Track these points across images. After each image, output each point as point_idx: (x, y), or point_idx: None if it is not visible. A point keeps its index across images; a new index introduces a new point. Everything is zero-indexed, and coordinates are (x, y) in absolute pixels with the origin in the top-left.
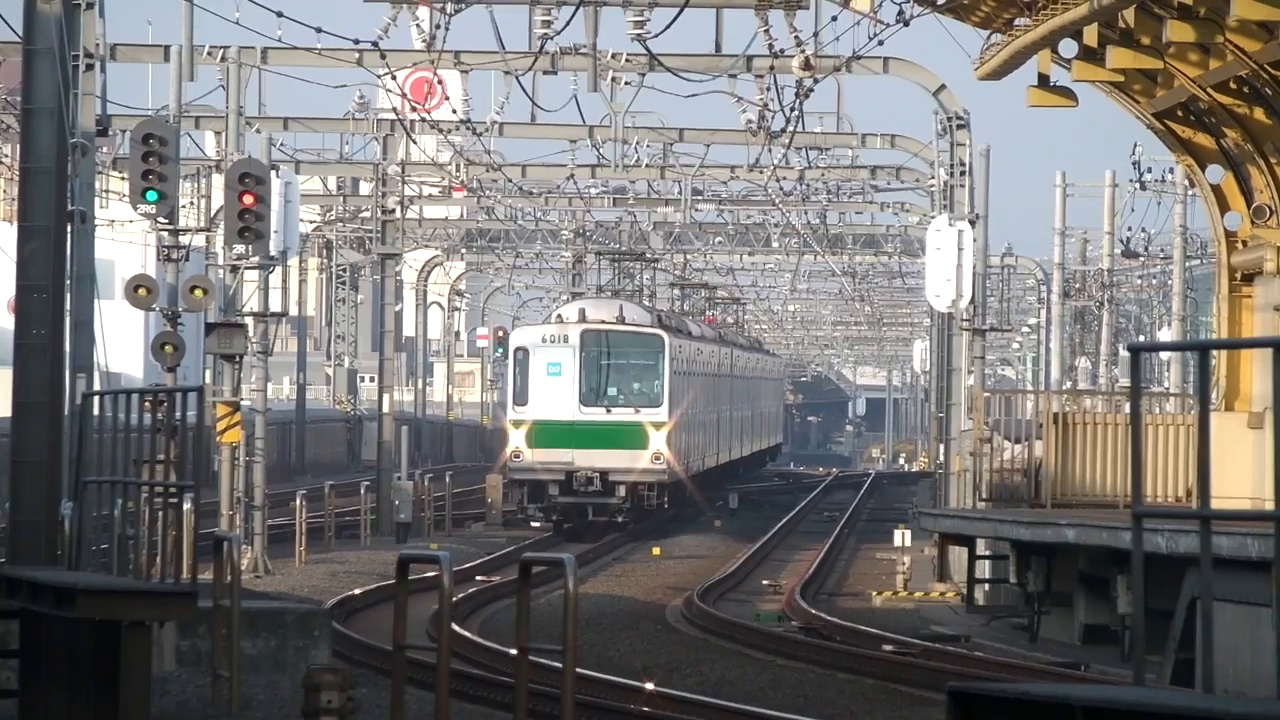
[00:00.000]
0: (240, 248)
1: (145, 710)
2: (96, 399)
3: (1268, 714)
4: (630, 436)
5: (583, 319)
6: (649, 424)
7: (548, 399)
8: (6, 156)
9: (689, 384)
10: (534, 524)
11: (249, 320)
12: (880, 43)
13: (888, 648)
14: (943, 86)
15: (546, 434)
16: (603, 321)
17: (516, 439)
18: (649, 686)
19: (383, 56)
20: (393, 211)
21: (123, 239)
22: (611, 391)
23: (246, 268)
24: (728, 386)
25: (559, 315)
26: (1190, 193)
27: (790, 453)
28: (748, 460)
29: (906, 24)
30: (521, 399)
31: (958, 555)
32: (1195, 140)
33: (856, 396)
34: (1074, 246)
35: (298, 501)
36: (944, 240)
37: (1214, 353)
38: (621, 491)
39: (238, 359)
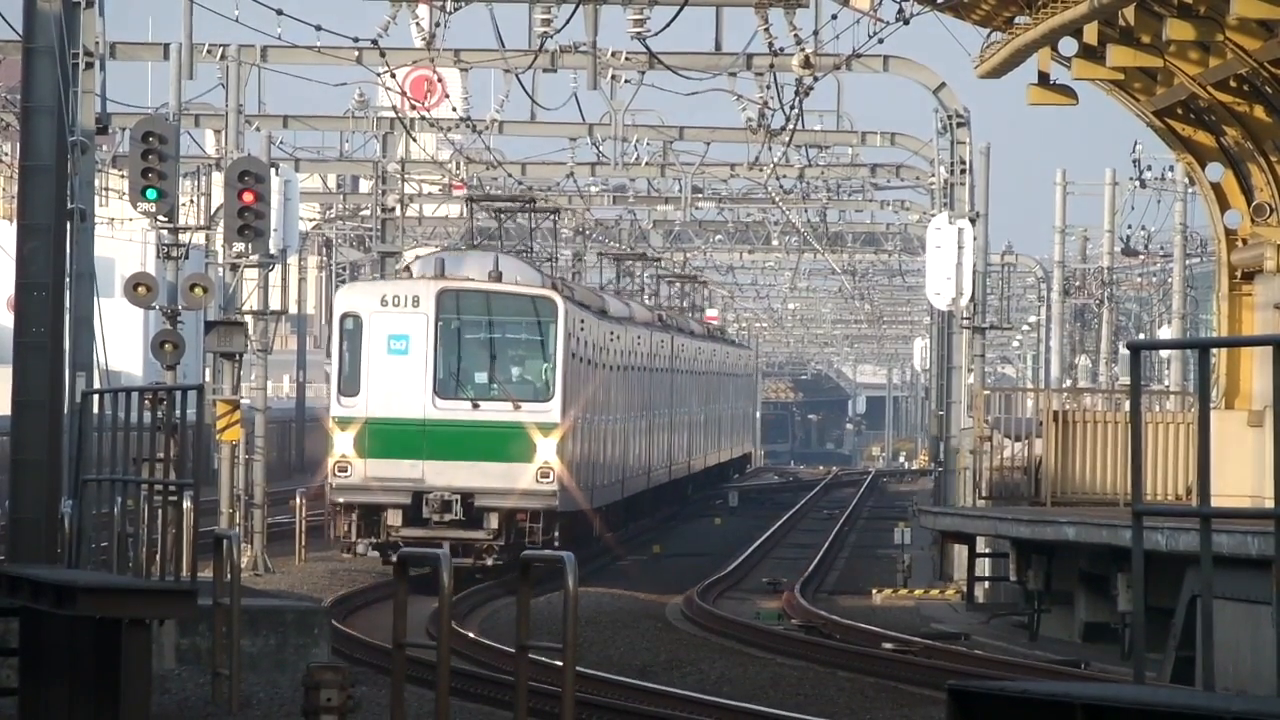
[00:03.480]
0: (240, 246)
1: (145, 708)
2: (96, 397)
3: (1268, 712)
4: (507, 444)
5: (441, 274)
6: (534, 426)
7: (388, 388)
8: (6, 155)
9: (599, 377)
10: (357, 552)
11: (249, 318)
12: (880, 41)
13: (888, 646)
14: (943, 84)
15: (385, 438)
16: (469, 279)
17: (343, 444)
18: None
19: (382, 54)
20: (392, 209)
21: (123, 237)
22: (480, 378)
23: (246, 266)
24: (667, 383)
25: (407, 268)
26: (1190, 191)
27: (790, 451)
28: (700, 477)
29: (906, 22)
30: (350, 387)
31: (958, 553)
32: (1195, 138)
33: (856, 395)
34: (1074, 244)
35: (298, 499)
36: (944, 238)
37: (1214, 351)
38: (493, 522)
39: (237, 357)
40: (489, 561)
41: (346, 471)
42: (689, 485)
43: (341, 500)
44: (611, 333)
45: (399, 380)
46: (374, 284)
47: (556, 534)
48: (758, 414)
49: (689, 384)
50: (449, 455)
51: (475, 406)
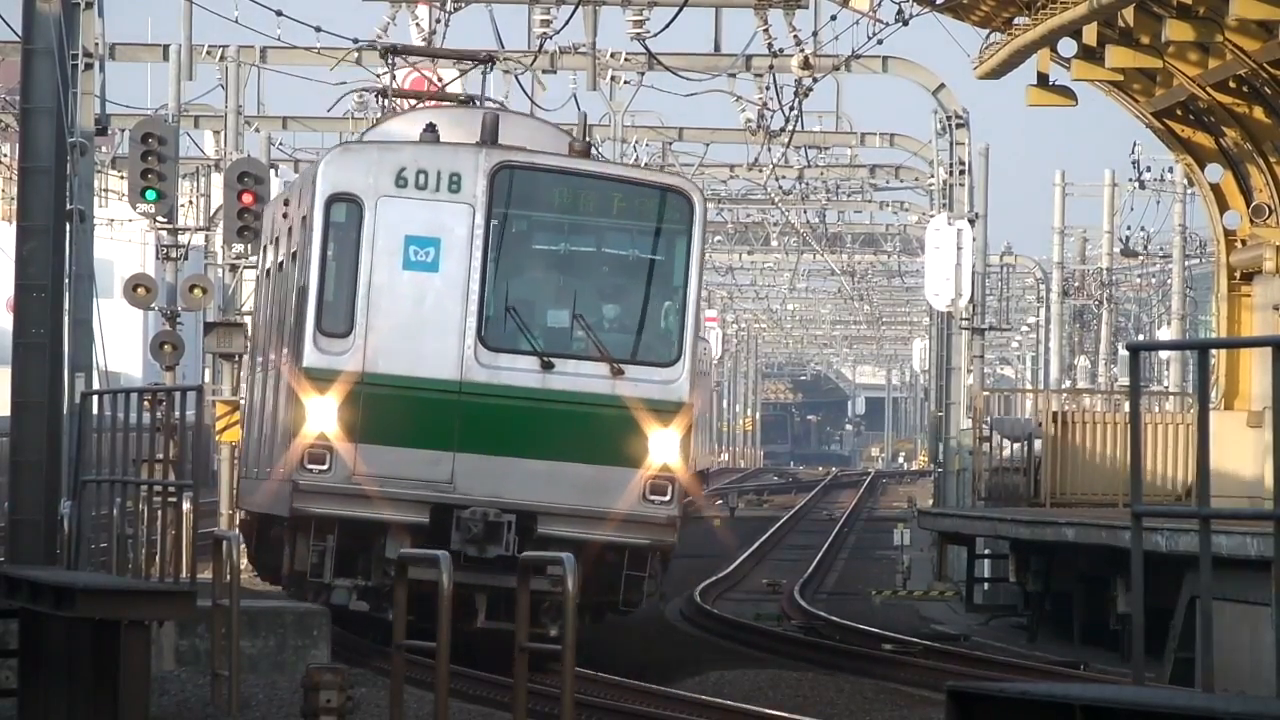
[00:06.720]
0: (239, 247)
1: (144, 710)
2: (95, 398)
3: (1267, 713)
4: (599, 434)
5: (493, 139)
6: (646, 406)
7: (402, 326)
8: (6, 156)
9: None
10: (334, 601)
11: (248, 319)
12: (879, 42)
13: (887, 647)
14: (942, 85)
15: (394, 413)
16: (542, 152)
17: (320, 416)
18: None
19: (382, 55)
20: None
21: (122, 238)
22: (557, 320)
23: (246, 267)
24: None
25: (431, 126)
26: (1189, 192)
27: (790, 452)
28: None
29: (906, 23)
30: (337, 320)
31: (957, 554)
32: (1194, 139)
33: (856, 396)
34: (1073, 245)
35: None
36: (943, 239)
37: (1213, 352)
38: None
39: (237, 358)
40: (553, 631)
41: (324, 463)
42: None
43: (312, 511)
44: None
45: (421, 314)
46: (386, 149)
47: (662, 580)
48: (756, 416)
49: None
50: (499, 447)
51: (547, 367)
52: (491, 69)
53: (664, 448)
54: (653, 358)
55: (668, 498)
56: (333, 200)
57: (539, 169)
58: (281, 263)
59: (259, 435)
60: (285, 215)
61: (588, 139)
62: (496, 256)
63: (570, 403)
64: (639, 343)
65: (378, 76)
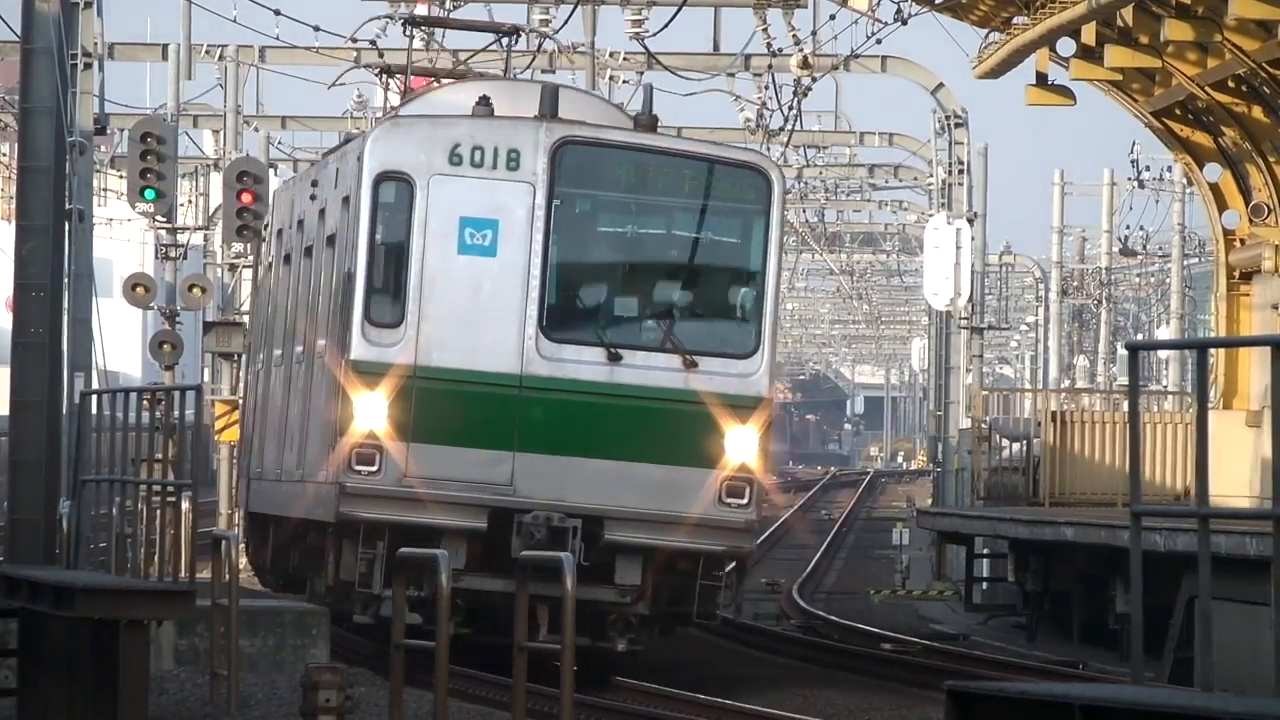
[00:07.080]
0: (238, 246)
1: (143, 709)
2: (95, 398)
3: (1266, 713)
4: (672, 432)
5: (553, 112)
6: (722, 402)
7: (457, 316)
8: (5, 155)
9: None
10: (381, 613)
11: (247, 319)
12: (878, 41)
13: (886, 647)
14: (941, 85)
15: (449, 409)
16: (607, 126)
17: (369, 413)
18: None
19: (381, 55)
20: None
21: (121, 238)
22: (625, 308)
23: (245, 266)
24: None
25: (484, 99)
26: (1188, 191)
27: (789, 451)
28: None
29: (905, 22)
30: (386, 309)
31: (956, 554)
32: (1193, 139)
33: (854, 395)
34: (1072, 245)
35: None
36: (942, 238)
37: (1212, 351)
38: (634, 572)
39: (236, 357)
40: (620, 646)
41: (373, 465)
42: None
43: (359, 516)
44: None
45: (478, 303)
46: (438, 124)
47: (736, 589)
48: None
49: None
50: (562, 446)
51: (614, 359)
52: (516, 41)
53: (741, 446)
54: (729, 349)
55: (745, 500)
56: (381, 179)
57: (604, 144)
58: (309, 248)
59: (281, 433)
60: (314, 197)
61: (653, 112)
62: (559, 239)
63: (640, 398)
64: (714, 333)
65: (378, 73)
